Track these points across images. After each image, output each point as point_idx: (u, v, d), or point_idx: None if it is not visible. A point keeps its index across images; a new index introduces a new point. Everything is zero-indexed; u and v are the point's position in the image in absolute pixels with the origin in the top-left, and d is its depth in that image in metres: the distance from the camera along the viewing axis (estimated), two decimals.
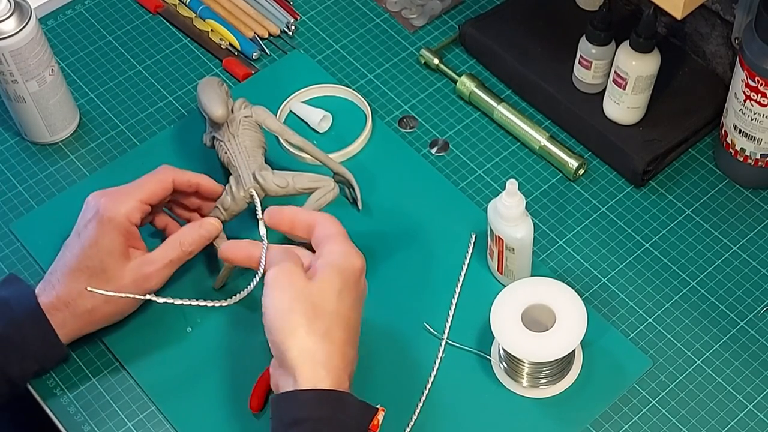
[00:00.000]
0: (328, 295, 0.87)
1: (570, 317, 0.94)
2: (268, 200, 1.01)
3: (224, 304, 0.94)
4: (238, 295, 0.95)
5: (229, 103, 1.06)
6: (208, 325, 1.02)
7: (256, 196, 1.01)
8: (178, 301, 0.95)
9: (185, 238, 0.98)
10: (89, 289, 0.93)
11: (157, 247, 0.98)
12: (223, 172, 1.08)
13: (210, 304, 0.95)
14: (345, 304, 0.88)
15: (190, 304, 0.94)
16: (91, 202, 0.97)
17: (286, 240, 0.99)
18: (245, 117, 1.06)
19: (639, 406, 0.97)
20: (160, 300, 0.94)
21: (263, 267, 0.91)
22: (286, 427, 0.84)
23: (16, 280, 0.97)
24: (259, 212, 0.98)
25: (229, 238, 1.02)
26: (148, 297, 0.95)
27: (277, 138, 1.13)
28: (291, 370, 0.85)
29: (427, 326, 1.01)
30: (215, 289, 1.03)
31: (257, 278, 0.92)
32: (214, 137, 1.07)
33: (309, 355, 0.85)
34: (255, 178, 1.02)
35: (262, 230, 0.97)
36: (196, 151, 1.13)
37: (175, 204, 1.05)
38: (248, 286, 0.94)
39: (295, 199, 1.04)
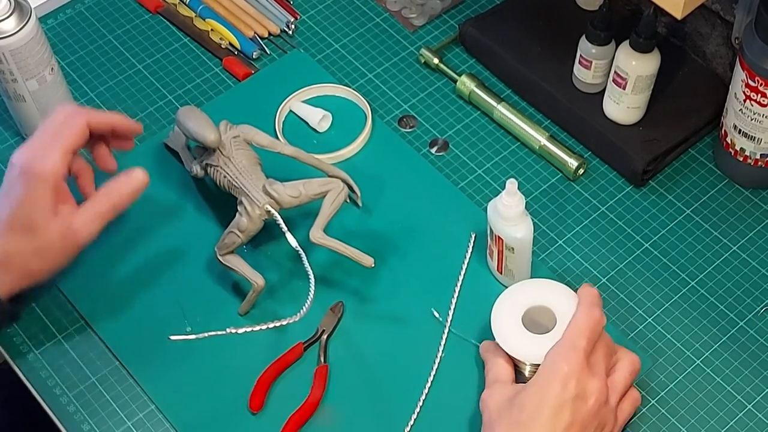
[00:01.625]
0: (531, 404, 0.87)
1: (570, 318, 0.94)
2: (282, 212, 1.01)
3: (296, 319, 0.94)
4: (303, 308, 0.95)
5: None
6: (208, 325, 1.02)
7: (273, 212, 1.00)
8: (256, 327, 0.95)
9: (113, 192, 0.98)
10: (172, 338, 0.95)
11: (84, 202, 0.97)
12: (219, 198, 1.06)
13: (284, 322, 0.95)
14: (544, 413, 0.86)
15: (267, 328, 0.95)
16: (13, 160, 0.95)
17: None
18: (234, 137, 1.04)
19: (638, 406, 0.97)
20: (240, 330, 0.94)
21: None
22: None
23: None
24: (283, 226, 0.98)
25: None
26: (228, 331, 0.94)
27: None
28: None
29: (435, 312, 1.01)
30: (241, 314, 1.03)
31: (311, 289, 0.93)
32: (206, 165, 1.05)
33: None
34: (268, 193, 1.01)
35: (293, 242, 0.97)
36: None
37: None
38: (308, 296, 0.95)
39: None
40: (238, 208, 1.02)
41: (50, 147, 0.95)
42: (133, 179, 0.99)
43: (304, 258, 0.97)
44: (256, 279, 1.00)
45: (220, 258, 1.02)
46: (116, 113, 1.00)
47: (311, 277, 0.96)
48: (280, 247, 1.06)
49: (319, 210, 1.02)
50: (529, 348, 0.93)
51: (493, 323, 0.94)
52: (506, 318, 0.94)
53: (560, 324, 0.94)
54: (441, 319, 1.01)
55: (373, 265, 1.00)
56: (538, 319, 0.96)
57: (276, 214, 1.00)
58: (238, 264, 1.01)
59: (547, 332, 0.94)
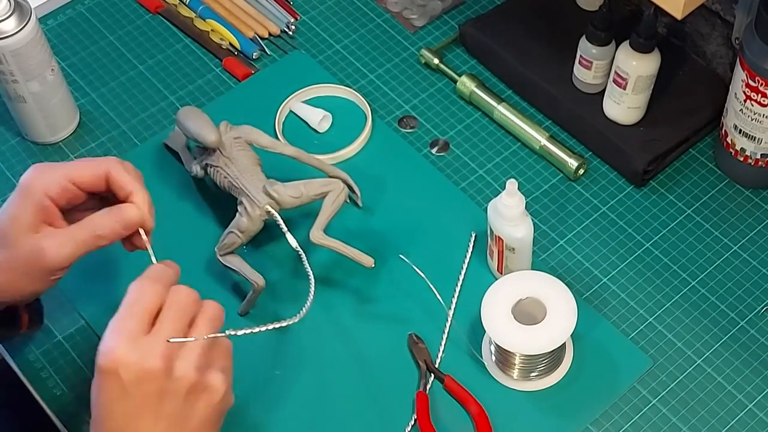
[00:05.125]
0: None
1: (560, 310, 0.94)
2: (283, 213, 1.01)
3: (296, 320, 0.93)
4: (304, 309, 0.93)
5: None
6: None
7: (274, 212, 1.00)
8: (256, 329, 0.92)
9: (98, 222, 0.89)
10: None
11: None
12: (220, 197, 1.07)
13: (284, 323, 0.92)
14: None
15: (267, 329, 0.91)
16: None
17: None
18: (235, 138, 1.04)
19: (639, 406, 0.97)
20: (240, 332, 0.90)
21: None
22: None
23: None
24: (283, 226, 0.98)
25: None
26: (227, 333, 0.89)
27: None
28: None
29: (403, 257, 1.01)
30: (241, 315, 1.03)
31: (312, 290, 0.93)
32: (207, 165, 1.05)
33: None
34: (268, 194, 1.01)
35: (293, 243, 0.97)
36: None
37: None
38: (309, 296, 0.93)
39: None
40: (239, 208, 1.02)
41: (55, 168, 0.90)
42: (122, 214, 0.89)
43: (304, 258, 0.97)
44: (257, 279, 1.00)
45: (220, 258, 1.02)
46: (143, 193, 0.90)
47: (311, 277, 0.96)
48: (280, 248, 1.06)
49: (319, 210, 1.02)
50: (518, 339, 0.93)
51: (483, 314, 0.94)
52: (496, 309, 0.95)
53: (550, 315, 0.94)
54: (409, 262, 1.00)
55: (373, 266, 1.00)
56: (529, 310, 0.96)
57: (276, 215, 1.00)
58: (238, 264, 1.01)
59: (537, 323, 0.94)
